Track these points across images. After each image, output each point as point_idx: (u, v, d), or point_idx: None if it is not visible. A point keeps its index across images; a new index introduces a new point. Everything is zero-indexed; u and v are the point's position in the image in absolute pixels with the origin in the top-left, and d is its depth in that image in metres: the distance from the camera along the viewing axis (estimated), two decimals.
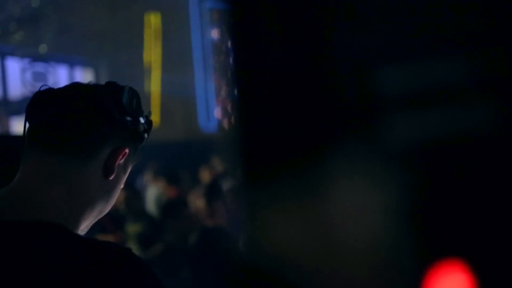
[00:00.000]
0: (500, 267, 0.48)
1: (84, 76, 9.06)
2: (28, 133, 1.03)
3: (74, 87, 1.04)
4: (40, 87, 1.05)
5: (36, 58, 8.20)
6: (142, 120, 1.06)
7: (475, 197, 0.49)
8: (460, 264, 0.49)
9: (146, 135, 1.09)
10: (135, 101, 1.04)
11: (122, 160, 1.04)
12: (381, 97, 0.50)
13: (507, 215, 0.48)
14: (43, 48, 8.20)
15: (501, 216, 0.48)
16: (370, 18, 0.51)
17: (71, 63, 8.95)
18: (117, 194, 1.08)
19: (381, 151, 0.50)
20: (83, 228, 1.03)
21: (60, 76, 8.52)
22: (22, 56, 8.15)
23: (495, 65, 0.46)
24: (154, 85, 8.69)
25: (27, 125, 1.04)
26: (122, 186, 1.09)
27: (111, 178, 1.03)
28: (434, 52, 0.48)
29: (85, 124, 1.01)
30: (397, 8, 0.50)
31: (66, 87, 1.05)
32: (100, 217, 1.06)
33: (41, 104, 1.02)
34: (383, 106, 0.50)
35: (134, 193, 4.82)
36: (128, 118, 1.03)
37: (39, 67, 8.25)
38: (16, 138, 1.19)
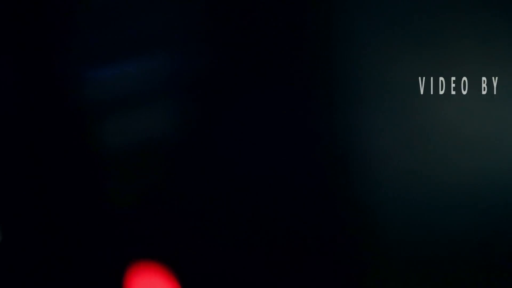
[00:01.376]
0: (197, 269, 0.47)
1: None
2: None
3: None
4: None
5: None
6: None
7: (177, 200, 0.48)
8: (159, 266, 0.48)
9: None
10: None
11: None
12: (94, 99, 0.50)
13: (201, 218, 0.47)
14: None
15: (197, 218, 0.47)
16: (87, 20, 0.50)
17: None
18: None
19: (95, 152, 0.50)
20: None
21: None
22: None
23: (205, 64, 0.46)
24: None
25: None
26: None
27: None
28: (147, 52, 0.48)
29: None
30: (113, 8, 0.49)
31: None
32: None
33: None
34: (95, 108, 0.50)
35: None
36: None
37: None
38: None
